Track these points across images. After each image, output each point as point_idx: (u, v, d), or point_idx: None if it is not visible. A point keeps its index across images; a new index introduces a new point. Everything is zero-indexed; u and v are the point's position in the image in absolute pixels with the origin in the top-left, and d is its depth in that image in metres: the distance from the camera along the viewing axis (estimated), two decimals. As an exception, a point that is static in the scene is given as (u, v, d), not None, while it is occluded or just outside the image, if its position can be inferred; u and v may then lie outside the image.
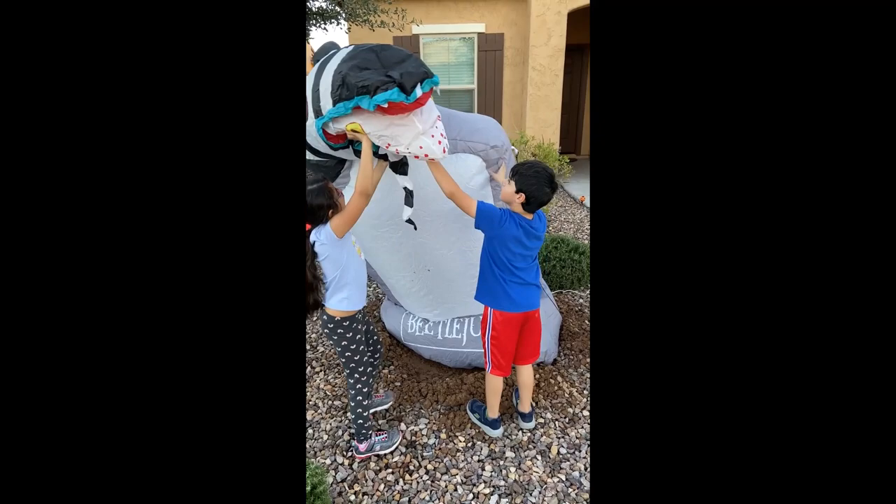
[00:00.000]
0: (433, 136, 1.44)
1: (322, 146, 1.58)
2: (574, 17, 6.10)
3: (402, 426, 1.94)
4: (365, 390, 1.71)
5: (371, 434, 1.78)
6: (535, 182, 1.52)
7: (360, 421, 1.73)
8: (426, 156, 1.45)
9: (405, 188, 1.64)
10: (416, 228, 1.76)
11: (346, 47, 1.49)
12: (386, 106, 1.26)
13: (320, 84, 1.42)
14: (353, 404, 1.72)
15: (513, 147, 2.01)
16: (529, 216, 1.60)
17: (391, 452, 1.80)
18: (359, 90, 1.27)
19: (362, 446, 1.76)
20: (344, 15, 3.08)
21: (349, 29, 3.39)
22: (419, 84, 1.28)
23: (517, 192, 1.54)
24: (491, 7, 6.16)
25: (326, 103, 1.40)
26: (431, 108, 1.49)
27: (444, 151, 1.47)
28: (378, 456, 1.79)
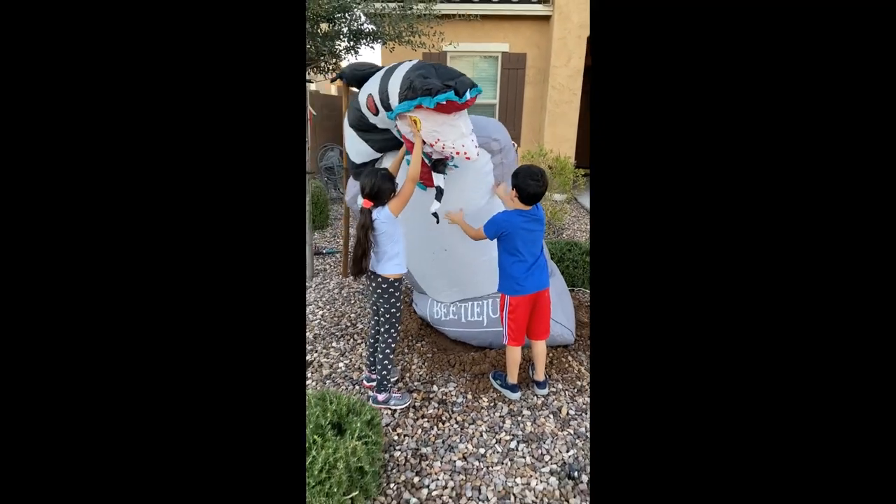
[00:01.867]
0: (472, 140, 1.88)
1: (388, 125, 2.08)
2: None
3: (434, 388, 2.29)
4: (393, 346, 2.10)
5: (390, 389, 2.14)
6: (521, 177, 1.93)
7: (385, 372, 2.10)
8: (466, 155, 1.87)
9: (438, 186, 2.05)
10: (437, 222, 2.16)
11: (406, 63, 1.94)
12: (445, 103, 1.70)
13: (388, 86, 1.87)
14: (381, 356, 2.09)
15: (514, 143, 2.39)
16: (528, 207, 1.98)
17: (408, 408, 2.14)
18: (423, 92, 1.71)
19: (381, 396, 2.12)
20: (390, 35, 3.50)
21: (392, 48, 3.81)
22: (469, 90, 1.74)
23: (512, 188, 1.97)
24: (516, 29, 6.59)
25: (394, 101, 1.85)
26: (470, 123, 1.92)
27: (478, 155, 1.91)
28: (414, 407, 2.14)
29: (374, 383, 2.18)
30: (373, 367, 2.26)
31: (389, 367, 2.10)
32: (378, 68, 2.11)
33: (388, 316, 2.05)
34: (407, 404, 2.15)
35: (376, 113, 2.01)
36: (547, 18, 6.43)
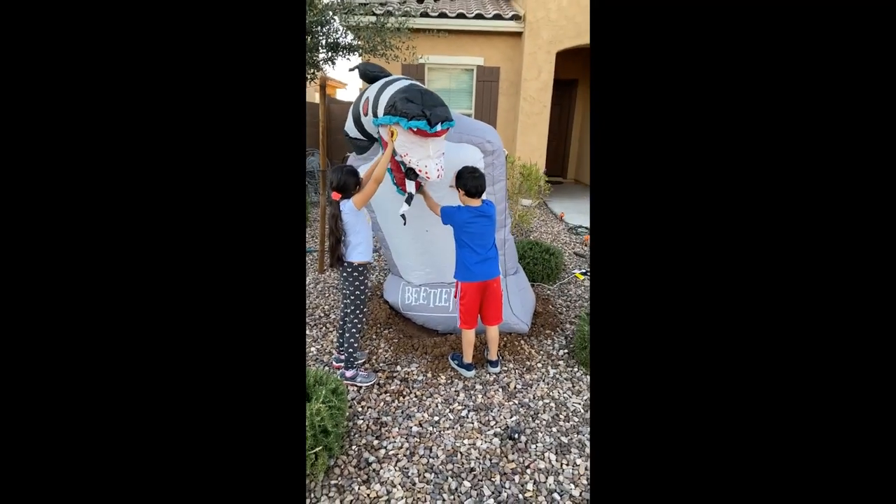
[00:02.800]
0: (436, 163, 2.09)
1: (371, 130, 2.33)
2: (562, 56, 6.90)
3: (398, 368, 2.51)
4: (360, 325, 2.34)
5: (358, 367, 2.38)
6: (462, 177, 2.22)
7: (351, 350, 2.35)
8: (426, 174, 2.09)
9: (409, 193, 2.29)
10: (405, 224, 2.40)
11: (404, 79, 2.18)
12: (416, 130, 1.93)
13: (380, 97, 2.11)
14: (349, 335, 2.33)
15: (504, 150, 2.65)
16: (477, 202, 2.24)
17: (373, 385, 2.37)
18: (401, 114, 1.94)
19: (349, 373, 2.35)
20: (366, 49, 3.77)
21: (368, 60, 4.08)
22: (440, 123, 1.95)
23: (458, 189, 2.24)
24: (490, 43, 6.95)
25: (381, 112, 2.09)
26: (442, 146, 2.13)
27: (439, 176, 2.13)
28: (379, 385, 2.36)
29: (343, 363, 2.40)
30: (342, 349, 2.48)
31: (356, 345, 2.34)
32: (386, 74, 2.36)
33: (353, 298, 2.30)
34: (372, 382, 2.37)
35: (366, 114, 2.26)
36: (519, 34, 6.81)
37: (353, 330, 2.33)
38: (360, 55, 3.82)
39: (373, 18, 3.79)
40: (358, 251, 2.23)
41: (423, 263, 2.88)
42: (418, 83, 2.17)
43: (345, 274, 2.26)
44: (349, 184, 2.17)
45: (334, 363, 2.50)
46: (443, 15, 6.46)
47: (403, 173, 2.26)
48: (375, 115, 2.15)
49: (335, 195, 2.18)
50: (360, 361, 2.48)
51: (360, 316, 2.33)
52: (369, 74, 2.37)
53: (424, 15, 6.32)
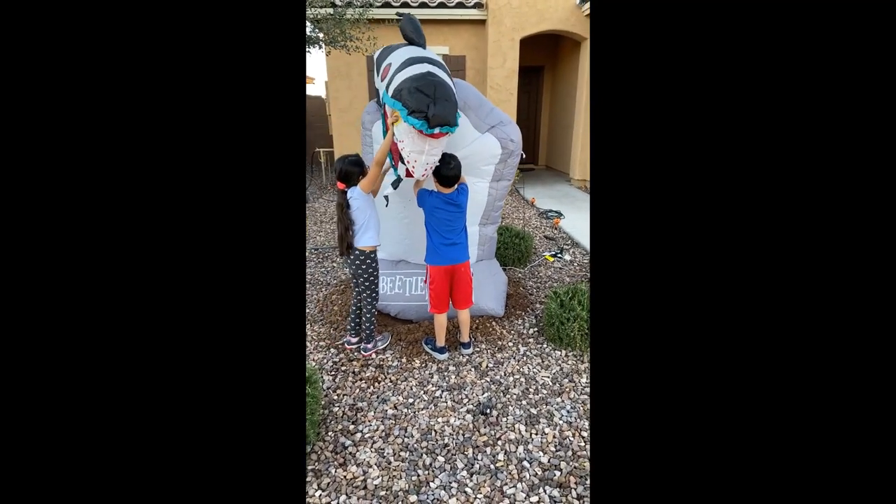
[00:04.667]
0: (426, 160, 2.06)
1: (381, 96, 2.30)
2: (526, 43, 6.96)
3: (373, 355, 2.56)
4: (373, 310, 2.48)
5: (374, 336, 2.54)
6: (436, 167, 2.24)
7: (371, 327, 2.49)
8: (413, 170, 2.08)
9: (398, 175, 2.30)
10: (387, 205, 2.44)
11: (427, 61, 2.09)
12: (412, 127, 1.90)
13: (397, 75, 2.03)
14: (367, 315, 2.47)
15: (522, 152, 2.69)
16: (448, 190, 2.28)
17: (349, 373, 2.42)
18: (403, 104, 1.90)
19: (370, 345, 2.52)
20: (325, 41, 3.73)
21: (329, 52, 4.04)
22: (439, 127, 1.90)
23: (432, 174, 2.27)
24: (454, 32, 6.95)
25: (391, 90, 2.01)
26: (440, 149, 2.07)
27: (424, 176, 2.15)
28: (353, 373, 2.40)
29: (355, 345, 2.57)
30: (353, 332, 2.59)
31: (372, 319, 2.49)
32: (419, 41, 2.30)
33: (367, 284, 2.39)
34: (389, 340, 2.62)
35: (382, 81, 2.20)
36: (482, 22, 6.83)
37: (369, 312, 2.46)
38: (321, 47, 3.78)
39: (331, 10, 3.75)
40: (367, 236, 2.30)
41: (399, 237, 2.92)
42: (439, 71, 2.03)
43: (357, 262, 2.33)
44: (352, 173, 2.25)
45: (346, 346, 2.62)
46: (405, 4, 6.42)
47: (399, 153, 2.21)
48: (387, 88, 2.07)
49: (340, 185, 2.26)
50: (382, 346, 2.62)
51: (375, 296, 2.45)
52: (405, 33, 2.33)
53: (386, 5, 6.27)
